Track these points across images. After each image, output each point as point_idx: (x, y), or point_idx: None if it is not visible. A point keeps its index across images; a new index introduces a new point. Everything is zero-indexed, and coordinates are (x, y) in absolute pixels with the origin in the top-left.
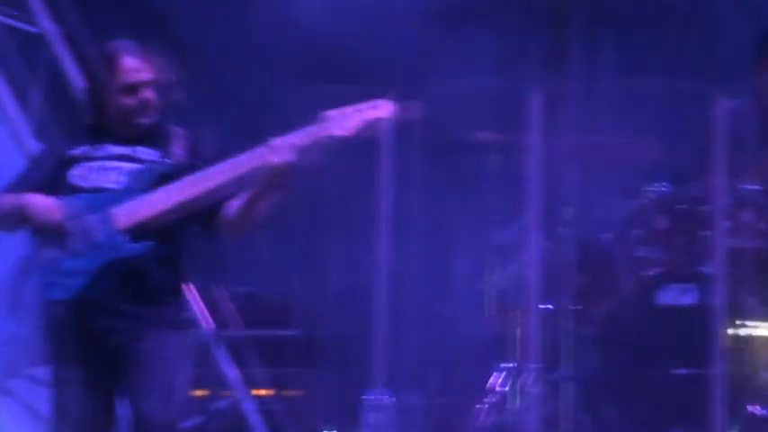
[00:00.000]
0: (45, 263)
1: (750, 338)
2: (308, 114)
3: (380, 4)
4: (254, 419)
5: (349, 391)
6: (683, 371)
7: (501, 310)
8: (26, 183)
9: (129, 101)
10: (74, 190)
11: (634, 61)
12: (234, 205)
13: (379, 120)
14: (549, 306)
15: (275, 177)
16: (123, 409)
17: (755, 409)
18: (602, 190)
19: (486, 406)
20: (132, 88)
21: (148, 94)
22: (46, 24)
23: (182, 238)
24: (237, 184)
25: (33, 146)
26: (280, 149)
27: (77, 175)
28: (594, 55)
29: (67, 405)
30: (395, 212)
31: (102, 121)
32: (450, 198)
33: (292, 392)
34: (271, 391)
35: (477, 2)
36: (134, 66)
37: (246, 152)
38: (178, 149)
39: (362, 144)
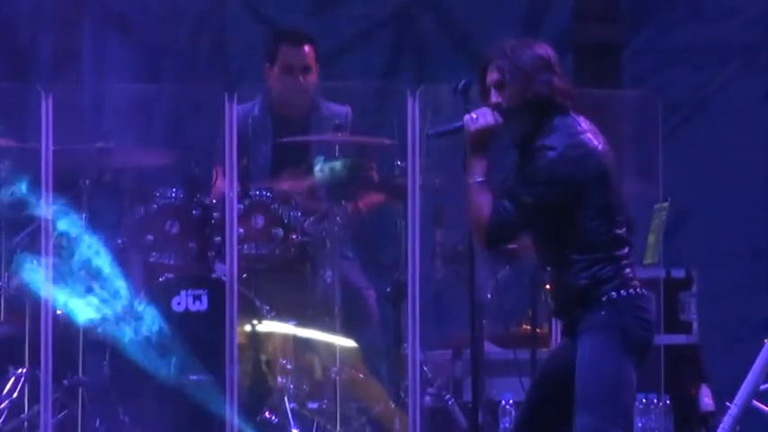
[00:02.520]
0: None
1: (264, 343)
2: None
3: None
4: None
5: None
6: (197, 377)
7: (12, 313)
8: None
9: None
10: None
11: (145, 65)
12: None
13: None
14: (60, 311)
15: None
16: None
17: (270, 416)
18: (113, 194)
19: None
20: None
21: None
22: None
23: None
24: None
25: None
26: None
27: None
28: (105, 58)
29: None
30: None
31: None
32: None
33: None
34: None
35: None
36: None
37: None
38: None
39: None
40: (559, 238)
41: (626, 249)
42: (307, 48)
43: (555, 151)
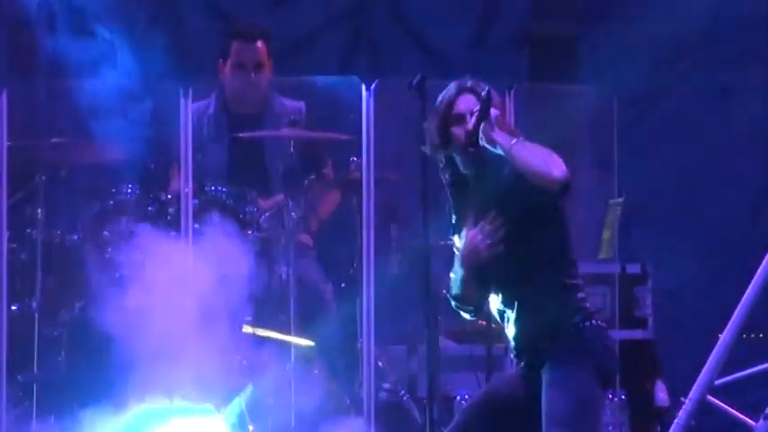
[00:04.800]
0: None
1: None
2: None
3: None
4: None
5: None
6: None
7: None
8: None
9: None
10: None
11: (100, 60)
12: None
13: None
14: (15, 307)
15: None
16: None
17: None
18: (69, 190)
19: None
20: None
21: None
22: None
23: None
24: None
25: None
26: None
27: None
28: (57, 54)
29: None
30: None
31: None
32: None
33: None
34: None
35: None
36: None
37: None
38: None
39: None
40: (534, 262)
41: (582, 282)
42: (259, 44)
43: None
